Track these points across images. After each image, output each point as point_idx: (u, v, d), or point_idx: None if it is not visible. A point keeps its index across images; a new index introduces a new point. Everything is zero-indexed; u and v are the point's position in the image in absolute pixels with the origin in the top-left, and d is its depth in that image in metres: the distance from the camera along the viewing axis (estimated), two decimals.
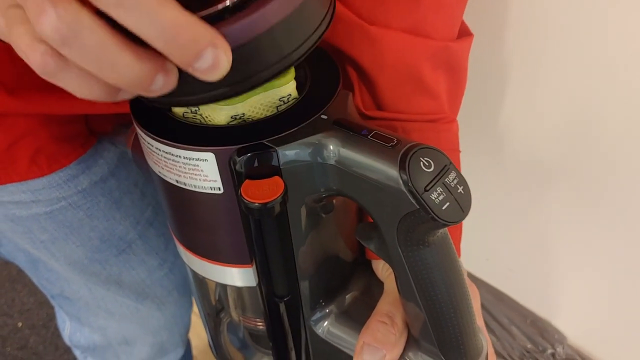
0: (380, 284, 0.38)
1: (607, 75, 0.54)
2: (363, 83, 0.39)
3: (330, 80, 0.33)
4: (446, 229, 0.30)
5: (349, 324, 0.37)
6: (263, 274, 0.35)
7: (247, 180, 0.29)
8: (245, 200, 0.28)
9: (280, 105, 0.31)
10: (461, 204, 0.28)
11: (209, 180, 0.30)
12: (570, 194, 0.64)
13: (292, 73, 0.31)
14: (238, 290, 0.40)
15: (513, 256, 0.77)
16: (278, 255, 0.33)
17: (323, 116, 0.30)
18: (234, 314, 0.44)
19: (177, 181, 0.31)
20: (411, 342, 0.35)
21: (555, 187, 0.65)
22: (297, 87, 0.32)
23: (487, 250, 0.77)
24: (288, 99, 0.31)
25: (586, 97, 0.56)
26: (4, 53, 0.36)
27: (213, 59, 0.22)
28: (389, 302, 0.36)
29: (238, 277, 0.36)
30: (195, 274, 0.40)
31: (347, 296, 0.39)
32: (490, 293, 0.79)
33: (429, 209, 0.27)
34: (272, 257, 0.34)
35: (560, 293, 0.76)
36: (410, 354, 0.35)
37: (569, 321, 0.77)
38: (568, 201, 0.65)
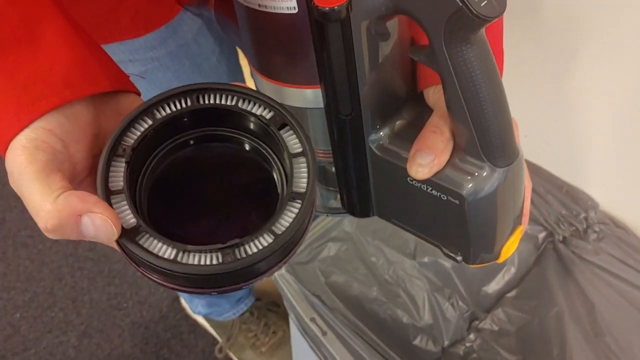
0: (430, 111, 0.43)
1: None
2: None
3: None
4: (484, 34, 0.36)
5: (402, 143, 0.43)
6: (330, 91, 0.41)
7: None
8: (317, 7, 0.34)
9: None
10: (496, 3, 0.33)
11: (286, 0, 0.37)
12: (603, 59, 0.70)
13: None
14: (308, 116, 0.46)
15: (549, 131, 0.83)
16: (342, 70, 0.39)
17: None
18: None
19: (259, 5, 0.38)
20: (457, 149, 0.41)
21: (587, 51, 0.71)
22: None
23: (526, 127, 0.83)
24: None
25: None
26: None
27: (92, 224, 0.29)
28: (438, 116, 0.42)
29: (309, 97, 0.42)
30: None
31: (400, 121, 0.44)
32: (529, 167, 0.86)
33: (470, 6, 0.32)
34: (337, 73, 0.39)
35: (594, 163, 0.83)
36: (457, 158, 0.41)
37: (601, 189, 0.84)
38: (600, 67, 0.71)
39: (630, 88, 0.71)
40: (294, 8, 0.37)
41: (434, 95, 0.43)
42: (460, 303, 0.82)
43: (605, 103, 0.76)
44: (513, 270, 0.84)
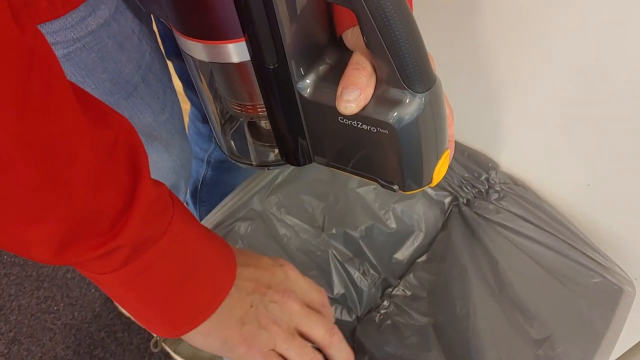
0: (350, 53, 0.47)
1: None
2: None
3: None
4: None
5: (329, 85, 0.46)
6: (254, 42, 0.44)
7: None
8: None
9: None
10: None
11: None
12: (509, 21, 0.72)
13: None
14: (235, 71, 0.49)
15: (450, 98, 0.85)
16: (263, 20, 0.42)
17: None
18: (235, 106, 0.53)
19: None
20: (380, 82, 0.44)
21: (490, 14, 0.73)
22: None
23: None
24: None
25: None
26: None
27: None
28: (358, 55, 0.45)
29: (234, 52, 0.45)
30: (198, 67, 0.49)
31: (324, 65, 0.48)
32: None
33: None
34: (258, 23, 0.42)
35: (493, 127, 0.85)
36: (381, 90, 0.44)
37: (501, 151, 0.87)
38: (509, 30, 0.73)
39: (535, 50, 0.73)
40: None
41: (352, 36, 0.47)
42: (372, 271, 0.83)
43: (502, 66, 0.78)
44: (422, 236, 0.86)
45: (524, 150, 0.85)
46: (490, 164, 0.86)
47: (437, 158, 0.49)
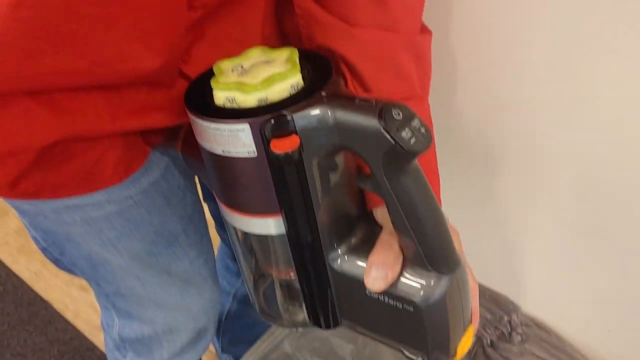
0: (379, 228, 0.49)
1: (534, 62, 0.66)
2: (351, 72, 0.51)
3: (325, 71, 0.45)
4: (417, 162, 0.42)
5: (358, 259, 0.48)
6: (290, 219, 0.47)
7: (273, 139, 0.41)
8: (274, 152, 0.41)
9: (292, 91, 0.43)
10: (423, 139, 0.39)
11: (246, 146, 0.42)
12: (519, 175, 0.77)
13: (298, 68, 0.44)
14: (272, 241, 0.51)
15: (469, 243, 0.90)
16: (299, 200, 0.45)
17: (322, 93, 0.43)
18: (269, 269, 0.55)
19: (222, 151, 0.44)
20: (407, 261, 0.47)
21: (504, 169, 0.78)
22: (302, 78, 0.44)
23: None
24: (297, 86, 0.44)
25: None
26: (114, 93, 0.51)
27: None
28: (387, 233, 0.48)
29: (272, 225, 0.48)
30: (238, 234, 0.52)
31: (355, 239, 0.50)
32: None
33: (400, 143, 0.38)
34: (295, 203, 0.45)
35: (512, 270, 0.89)
36: (407, 270, 0.46)
37: (522, 294, 0.90)
38: (518, 183, 0.78)
39: (547, 199, 0.78)
40: (254, 152, 0.43)
41: (382, 214, 0.49)
42: None
43: (518, 213, 0.83)
44: None
45: (544, 293, 0.88)
46: (511, 306, 0.89)
47: (462, 333, 0.50)
